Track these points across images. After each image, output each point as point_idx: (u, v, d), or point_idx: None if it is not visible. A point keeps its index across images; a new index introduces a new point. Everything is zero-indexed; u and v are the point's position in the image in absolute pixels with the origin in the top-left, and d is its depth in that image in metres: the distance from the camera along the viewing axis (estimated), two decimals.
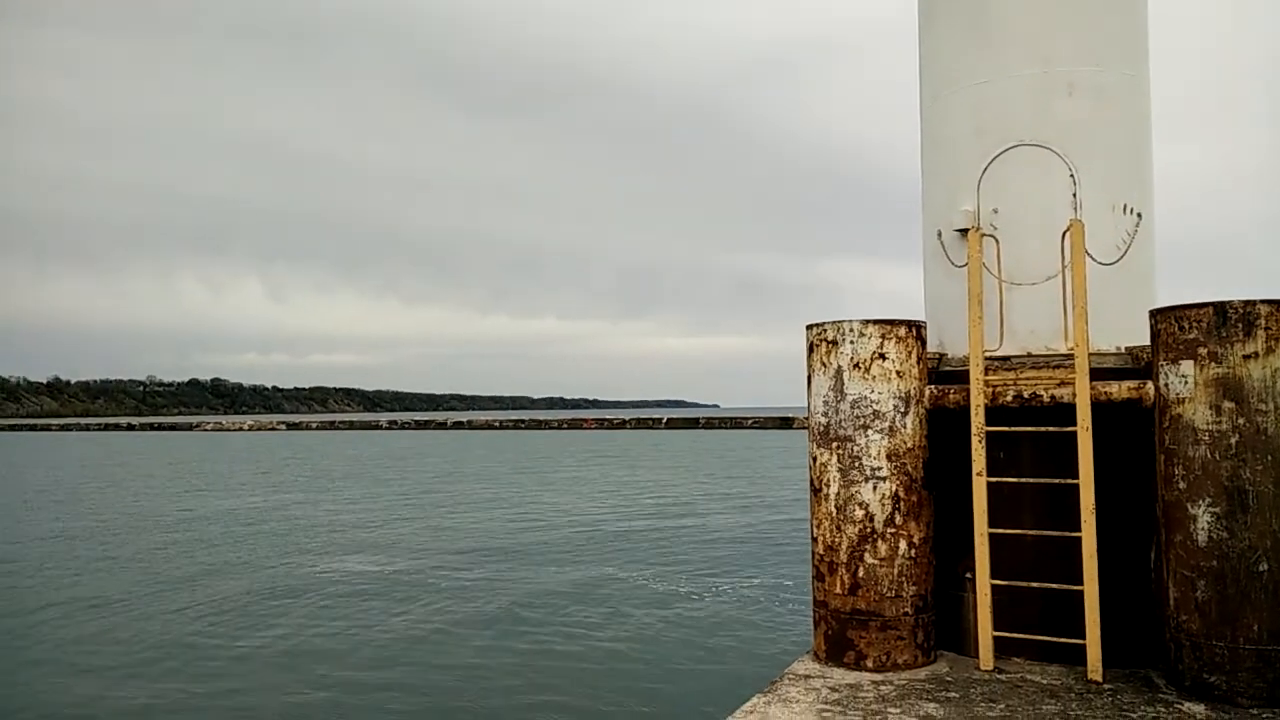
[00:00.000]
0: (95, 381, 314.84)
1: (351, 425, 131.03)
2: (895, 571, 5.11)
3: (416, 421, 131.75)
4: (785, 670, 4.98)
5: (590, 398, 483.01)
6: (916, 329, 5.42)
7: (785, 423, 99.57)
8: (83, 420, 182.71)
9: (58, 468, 48.43)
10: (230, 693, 8.93)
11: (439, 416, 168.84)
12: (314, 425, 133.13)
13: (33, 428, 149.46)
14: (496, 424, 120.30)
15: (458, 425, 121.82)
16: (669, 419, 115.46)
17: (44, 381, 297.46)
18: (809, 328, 5.63)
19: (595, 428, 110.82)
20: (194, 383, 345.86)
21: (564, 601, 12.79)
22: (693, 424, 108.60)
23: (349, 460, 52.21)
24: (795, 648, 10.33)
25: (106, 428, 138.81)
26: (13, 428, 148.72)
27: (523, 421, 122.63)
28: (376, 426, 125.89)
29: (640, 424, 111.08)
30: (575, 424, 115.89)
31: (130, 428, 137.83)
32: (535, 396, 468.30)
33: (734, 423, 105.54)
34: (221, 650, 10.49)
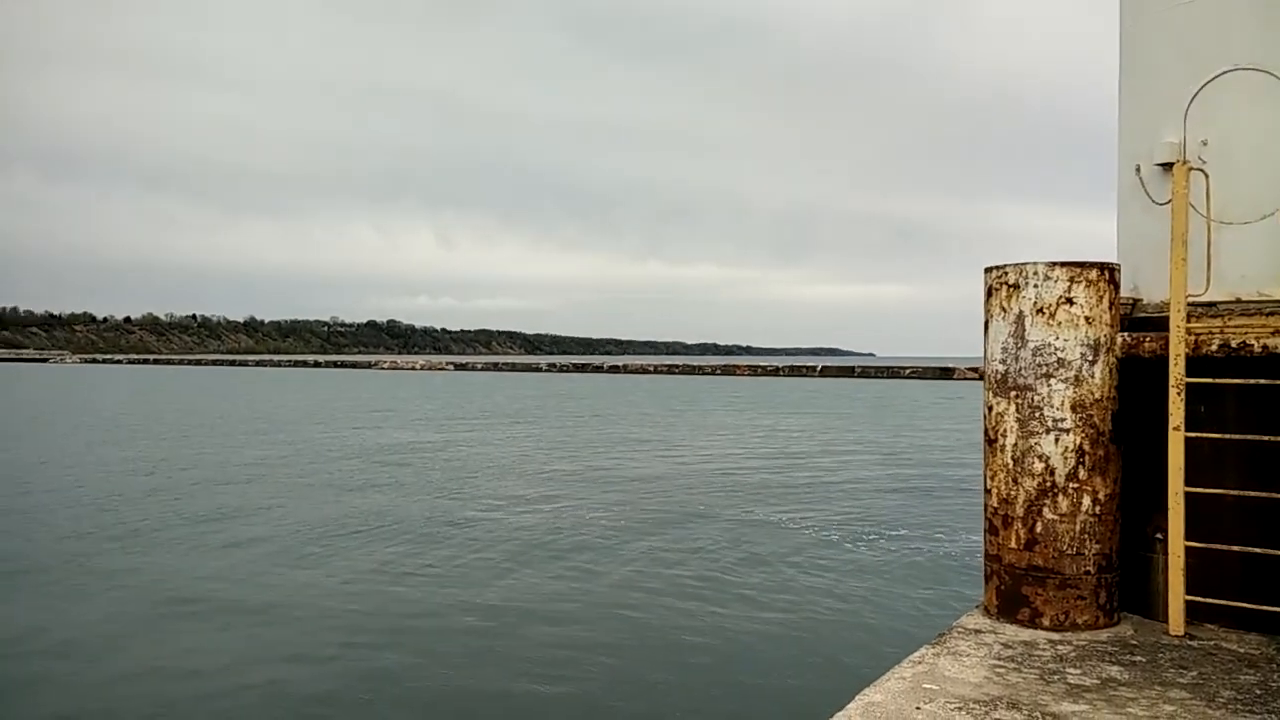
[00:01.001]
0: (285, 321, 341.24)
1: (514, 367, 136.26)
2: (1077, 528, 4.86)
3: (574, 365, 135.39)
4: (954, 624, 4.86)
5: (744, 344, 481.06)
6: (1109, 272, 5.05)
7: (945, 373, 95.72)
8: (274, 357, 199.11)
9: (258, 400, 52.93)
10: (408, 614, 9.61)
11: (595, 360, 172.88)
12: (479, 366, 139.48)
13: (232, 363, 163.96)
14: (651, 369, 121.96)
15: (614, 369, 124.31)
16: (823, 367, 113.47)
17: (241, 321, 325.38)
18: (988, 270, 5.35)
19: (749, 374, 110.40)
20: (371, 324, 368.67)
21: (716, 546, 12.85)
22: (848, 372, 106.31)
23: (512, 399, 54.36)
24: (954, 601, 10.06)
25: (295, 364, 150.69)
26: (215, 363, 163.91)
27: (676, 367, 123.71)
28: (537, 369, 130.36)
29: (794, 371, 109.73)
30: (729, 370, 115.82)
31: (316, 365, 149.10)
32: (689, 342, 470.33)
33: (891, 372, 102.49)
34: (397, 570, 11.29)
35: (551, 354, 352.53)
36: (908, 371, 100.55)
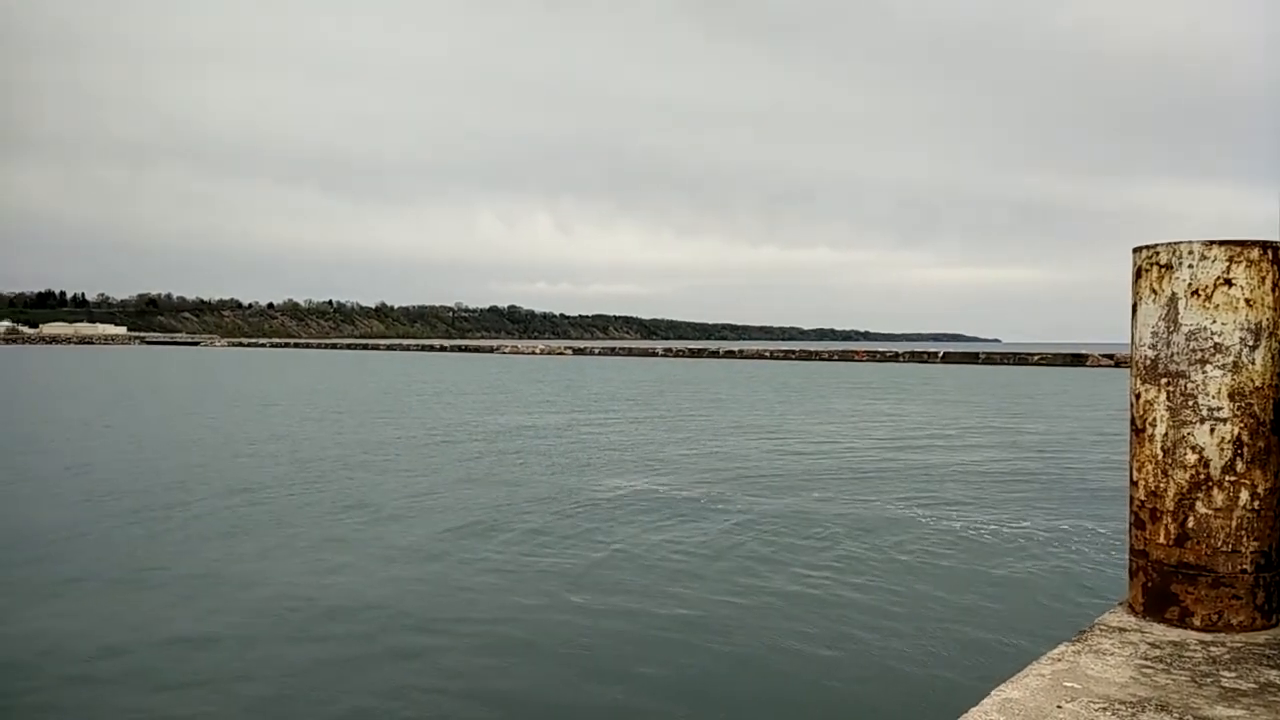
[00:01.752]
0: (413, 307, 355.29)
1: (630, 352, 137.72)
2: (1233, 524, 4.57)
3: (690, 350, 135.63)
4: (1095, 621, 4.65)
5: (861, 329, 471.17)
6: (1273, 251, 4.70)
7: (1077, 360, 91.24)
8: (404, 341, 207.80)
9: (391, 382, 55.33)
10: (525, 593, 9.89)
11: (711, 345, 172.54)
12: (596, 351, 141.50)
13: (364, 347, 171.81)
14: (767, 354, 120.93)
15: (729, 354, 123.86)
16: (945, 353, 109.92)
17: (372, 307, 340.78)
18: (1136, 250, 5.06)
19: (867, 359, 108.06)
20: (493, 309, 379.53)
21: (833, 534, 12.70)
22: (971, 358, 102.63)
23: (628, 384, 54.96)
24: (1085, 596, 9.65)
25: (422, 348, 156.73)
26: (349, 346, 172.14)
27: (792, 352, 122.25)
28: (653, 354, 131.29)
29: (914, 357, 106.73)
30: (846, 355, 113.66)
31: (441, 349, 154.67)
32: (805, 327, 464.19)
33: (1018, 358, 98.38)
34: (509, 550, 11.63)
35: (667, 339, 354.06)
36: (1036, 358, 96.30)
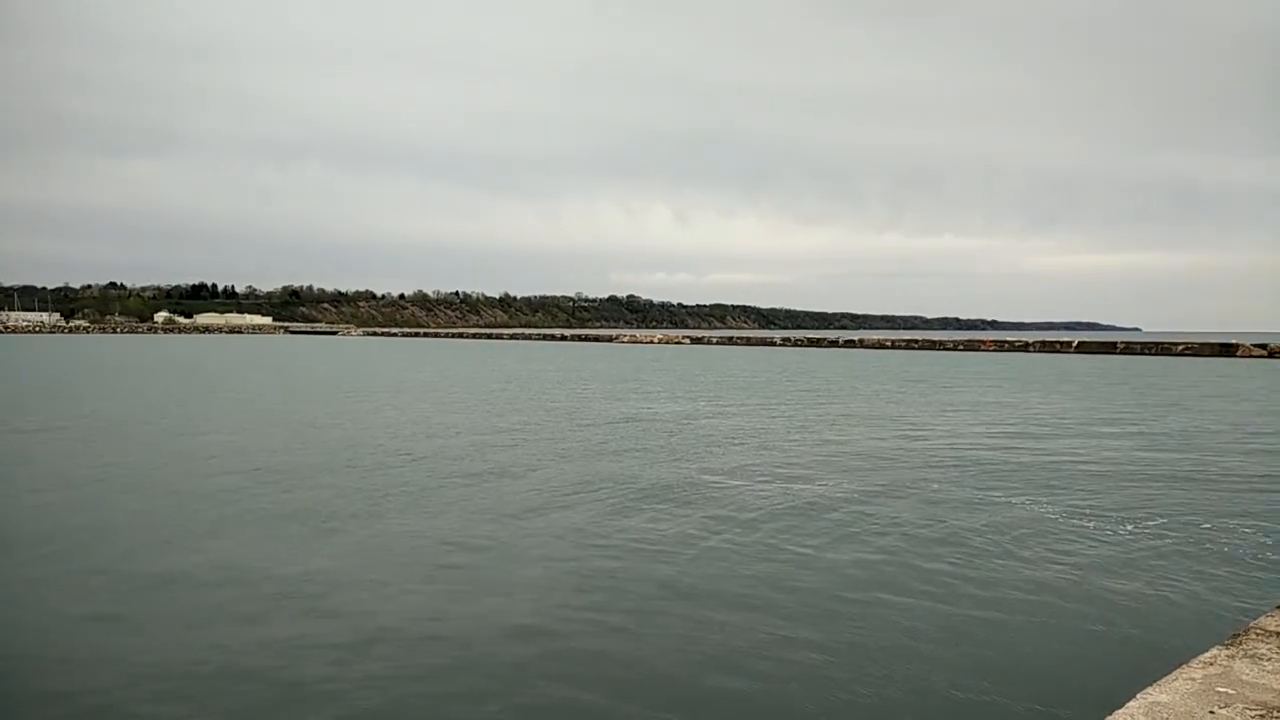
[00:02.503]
0: (535, 297, 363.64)
1: (748, 341, 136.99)
2: None
3: (809, 339, 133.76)
4: (1251, 624, 4.51)
5: (989, 318, 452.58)
6: None
7: (1226, 350, 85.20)
8: (526, 330, 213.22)
9: (515, 370, 56.97)
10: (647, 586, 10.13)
11: (830, 334, 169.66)
12: (714, 340, 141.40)
13: (489, 336, 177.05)
14: (888, 343, 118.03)
15: (849, 344, 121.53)
16: (1080, 342, 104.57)
17: (497, 297, 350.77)
18: None
19: (994, 349, 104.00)
20: (612, 299, 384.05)
21: (961, 529, 12.43)
22: (1109, 348, 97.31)
23: (746, 373, 54.79)
24: (1232, 599, 9.18)
25: (544, 337, 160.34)
26: (475, 335, 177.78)
27: (915, 341, 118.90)
28: (771, 343, 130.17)
29: (1045, 347, 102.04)
30: (972, 345, 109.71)
31: (562, 338, 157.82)
32: (929, 316, 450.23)
33: (1160, 348, 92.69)
34: (624, 538, 11.91)
35: (786, 328, 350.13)
36: (1180, 348, 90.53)
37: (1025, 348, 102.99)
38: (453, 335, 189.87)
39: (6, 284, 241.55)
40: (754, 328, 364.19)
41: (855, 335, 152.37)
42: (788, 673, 7.44)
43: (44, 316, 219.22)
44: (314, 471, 16.95)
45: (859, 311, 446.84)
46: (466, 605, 9.11)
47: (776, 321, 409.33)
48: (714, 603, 9.17)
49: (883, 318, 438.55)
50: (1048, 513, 13.51)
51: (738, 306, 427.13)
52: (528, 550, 11.26)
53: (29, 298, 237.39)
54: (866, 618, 8.79)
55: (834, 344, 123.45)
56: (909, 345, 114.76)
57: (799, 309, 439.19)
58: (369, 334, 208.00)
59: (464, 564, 10.65)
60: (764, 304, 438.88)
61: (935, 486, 15.68)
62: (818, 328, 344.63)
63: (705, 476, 16.68)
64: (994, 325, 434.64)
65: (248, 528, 12.34)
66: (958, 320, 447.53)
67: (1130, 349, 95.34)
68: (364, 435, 22.61)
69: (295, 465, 17.66)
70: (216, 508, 13.57)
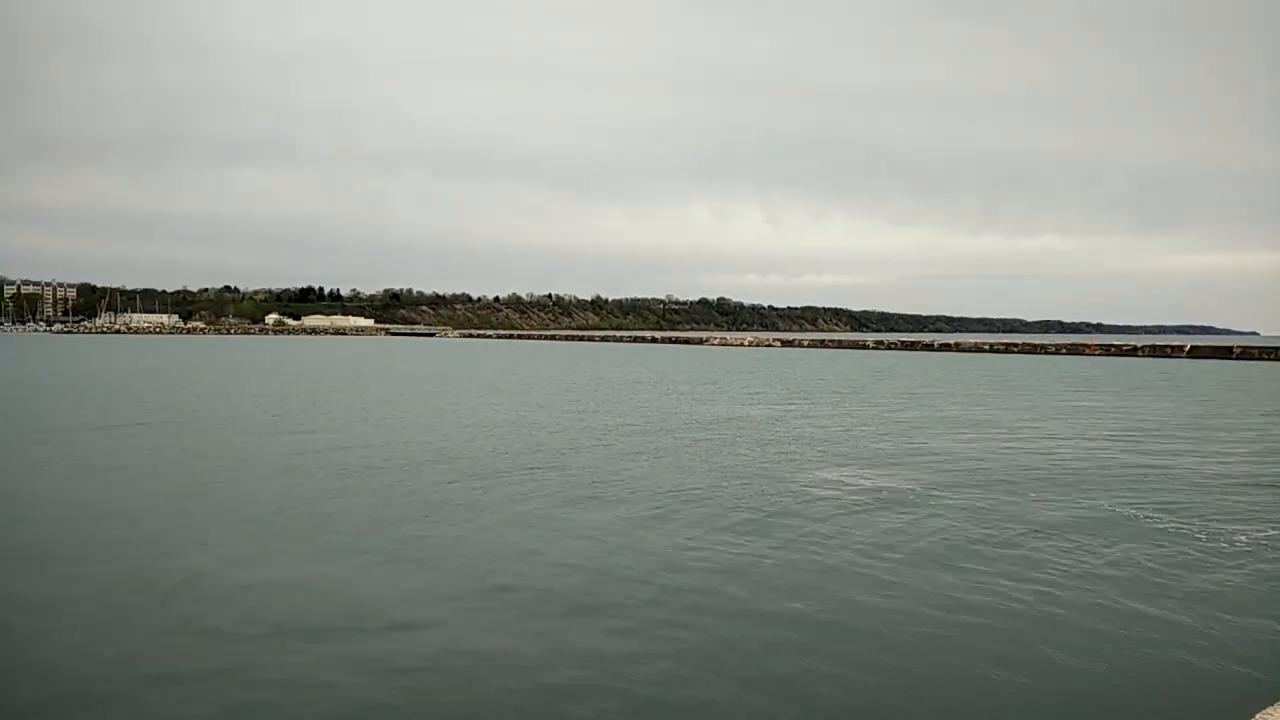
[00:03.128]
0: (626, 299, 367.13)
1: (839, 344, 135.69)
2: None
3: (902, 342, 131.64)
4: None
5: (1093, 321, 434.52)
6: None
7: None
8: (616, 332, 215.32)
9: (606, 372, 58.27)
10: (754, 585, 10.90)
11: (925, 338, 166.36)
12: (805, 343, 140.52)
13: (580, 338, 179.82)
14: (986, 346, 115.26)
15: (944, 347, 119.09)
16: (1192, 346, 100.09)
17: (588, 299, 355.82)
18: None
19: (1099, 353, 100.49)
20: (703, 301, 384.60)
21: (1056, 541, 12.15)
22: (1224, 353, 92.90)
23: (837, 376, 54.66)
24: None
25: (635, 340, 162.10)
26: (567, 338, 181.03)
27: (1015, 345, 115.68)
28: (863, 346, 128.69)
29: (1155, 351, 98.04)
30: (1075, 349, 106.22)
31: (653, 340, 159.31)
32: (1029, 320, 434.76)
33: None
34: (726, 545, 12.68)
35: (878, 331, 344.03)
36: None
37: (1133, 352, 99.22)
38: (545, 337, 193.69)
39: (130, 287, 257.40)
40: (845, 330, 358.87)
41: (951, 339, 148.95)
42: (909, 681, 7.53)
43: (164, 318, 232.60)
44: (414, 469, 18.28)
45: (955, 314, 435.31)
46: (555, 614, 9.25)
47: (869, 324, 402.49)
48: (801, 621, 8.95)
49: (980, 321, 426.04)
50: (1160, 524, 13.14)
51: (829, 309, 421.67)
52: (619, 550, 12.06)
53: (150, 300, 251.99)
54: (959, 625, 8.73)
55: (929, 347, 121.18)
56: (1008, 349, 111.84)
57: (892, 311, 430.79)
58: (464, 335, 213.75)
59: (561, 563, 11.34)
60: (856, 306, 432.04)
61: (1033, 494, 15.55)
62: (911, 331, 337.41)
63: (797, 481, 17.02)
64: (1099, 329, 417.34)
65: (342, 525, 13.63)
66: (1060, 323, 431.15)
67: (1248, 354, 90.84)
68: (463, 435, 24.00)
69: (395, 461, 19.07)
70: (321, 502, 14.98)
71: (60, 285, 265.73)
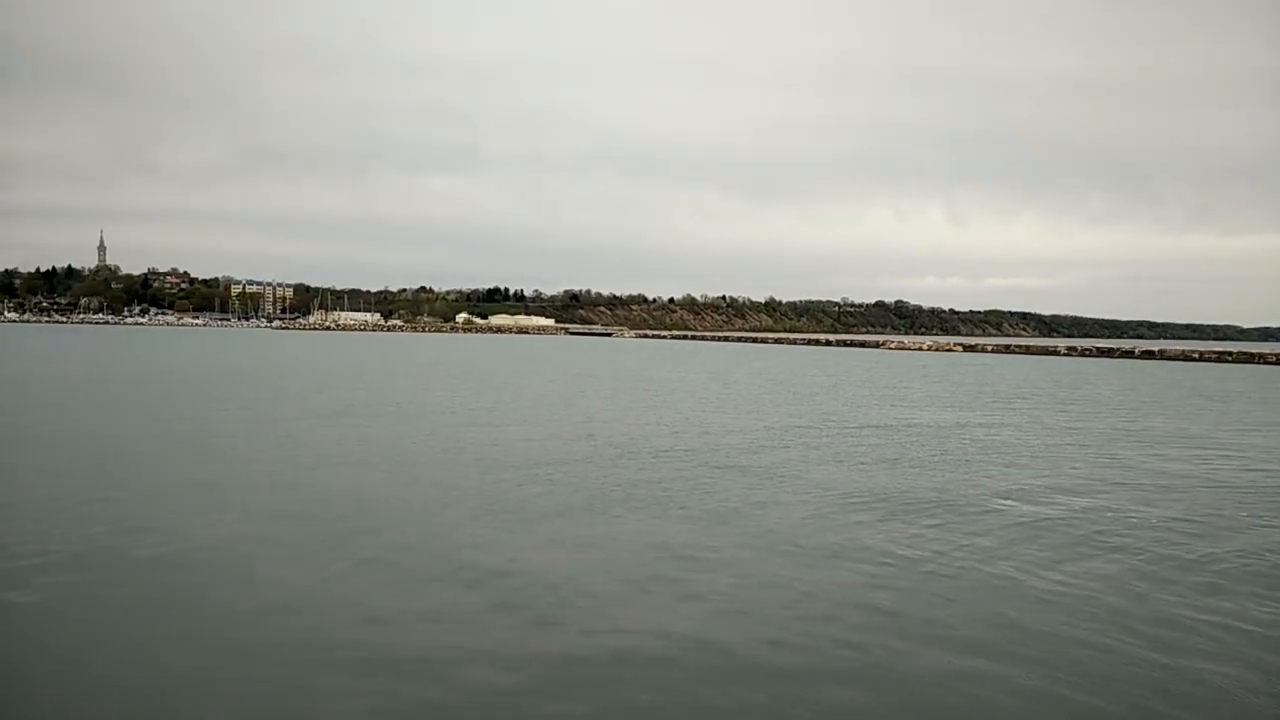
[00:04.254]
0: (800, 301, 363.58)
1: (1027, 349, 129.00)
2: None
3: (1098, 349, 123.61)
4: None
5: None
6: None
7: None
8: (790, 335, 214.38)
9: (779, 374, 58.76)
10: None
11: (1124, 344, 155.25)
12: (989, 348, 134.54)
13: (754, 339, 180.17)
14: (1195, 354, 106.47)
15: (1146, 354, 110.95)
16: None
17: (762, 301, 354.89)
18: None
19: None
20: (879, 304, 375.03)
21: (1266, 573, 11.48)
22: None
23: (1022, 383, 52.55)
24: None
25: (809, 342, 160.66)
26: (740, 339, 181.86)
27: (1229, 353, 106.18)
28: (1053, 352, 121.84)
29: None
30: None
31: (827, 343, 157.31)
32: (1245, 326, 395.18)
33: None
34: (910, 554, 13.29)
35: (1070, 337, 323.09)
36: None
37: None
38: (719, 338, 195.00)
39: (339, 287, 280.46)
40: (1034, 335, 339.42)
41: (1154, 345, 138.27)
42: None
43: (367, 316, 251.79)
44: (591, 464, 19.81)
45: (1158, 319, 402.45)
46: (720, 618, 9.45)
47: (1060, 329, 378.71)
48: (976, 646, 8.52)
49: (1187, 326, 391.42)
50: None
51: (1016, 313, 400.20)
52: (797, 554, 12.66)
53: (356, 299, 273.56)
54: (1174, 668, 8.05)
55: (1128, 354, 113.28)
56: (1220, 357, 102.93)
57: (1086, 316, 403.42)
58: (640, 336, 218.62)
59: (740, 568, 12.28)
60: (1045, 310, 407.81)
61: (1244, 514, 14.83)
62: (1108, 336, 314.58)
63: (975, 491, 16.78)
64: None
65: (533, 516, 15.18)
66: None
67: None
68: (644, 431, 25.47)
69: (573, 457, 20.70)
70: (513, 491, 16.68)
71: (279, 285, 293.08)
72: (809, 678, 7.70)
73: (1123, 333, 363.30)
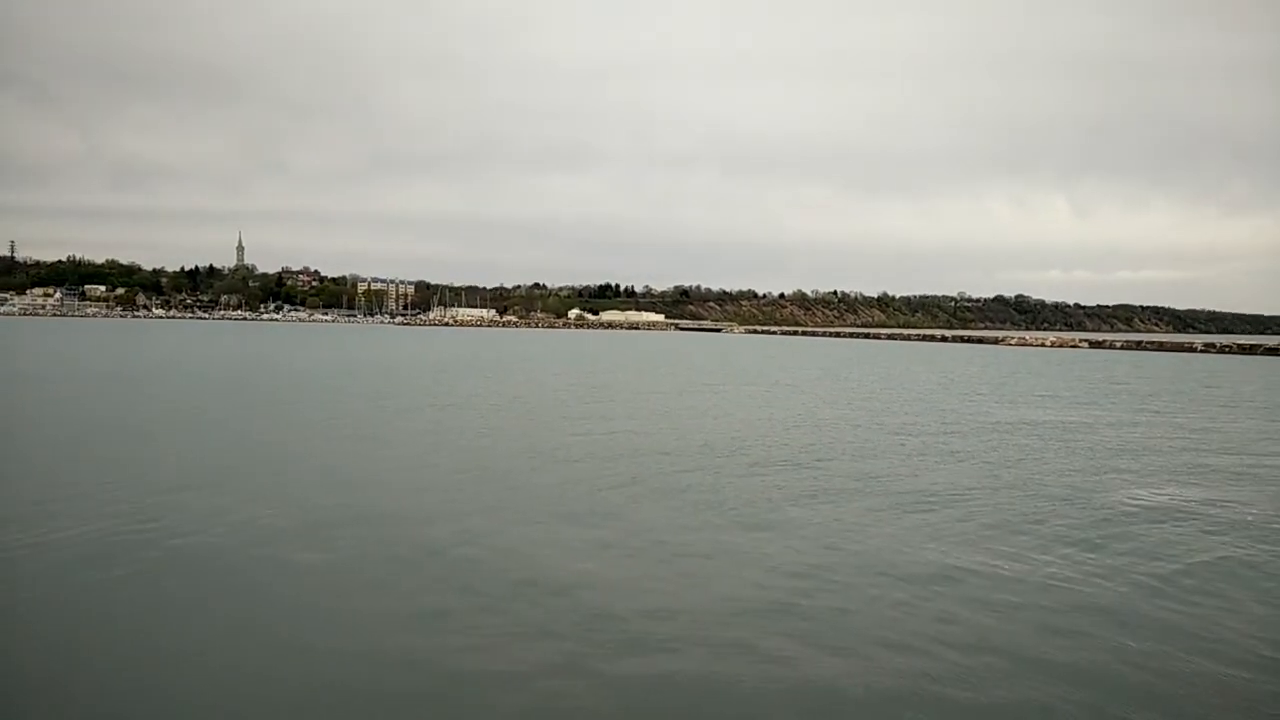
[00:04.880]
0: (914, 296, 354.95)
1: (1160, 346, 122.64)
2: None
3: (1239, 345, 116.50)
4: None
5: None
6: None
7: None
8: (904, 330, 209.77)
9: (893, 369, 58.12)
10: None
11: (1268, 340, 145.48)
12: (1117, 344, 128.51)
13: (865, 335, 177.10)
14: None
15: None
16: None
17: (874, 296, 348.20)
18: None
19: None
20: (999, 299, 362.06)
21: None
22: None
23: (1152, 380, 50.43)
24: None
25: (923, 338, 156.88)
26: (851, 335, 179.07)
27: None
28: (1190, 348, 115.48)
29: None
30: None
31: (943, 339, 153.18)
32: None
33: None
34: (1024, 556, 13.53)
35: (1208, 332, 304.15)
36: None
37: None
38: (829, 334, 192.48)
39: (456, 284, 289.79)
40: (1167, 331, 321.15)
41: None
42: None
43: (483, 312, 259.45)
44: (710, 457, 20.59)
45: None
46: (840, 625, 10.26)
47: (1195, 324, 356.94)
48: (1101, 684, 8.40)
49: None
50: None
51: (1147, 307, 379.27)
52: (911, 559, 13.03)
53: (473, 296, 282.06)
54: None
55: (1273, 351, 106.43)
56: None
57: (1224, 310, 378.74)
58: (750, 331, 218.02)
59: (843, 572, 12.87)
60: (1179, 305, 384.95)
61: None
62: (1250, 332, 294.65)
63: (1102, 494, 16.54)
64: None
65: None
66: None
67: None
68: (755, 430, 26.09)
69: (690, 449, 21.51)
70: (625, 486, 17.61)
71: (401, 282, 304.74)
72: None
73: (1266, 328, 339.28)
